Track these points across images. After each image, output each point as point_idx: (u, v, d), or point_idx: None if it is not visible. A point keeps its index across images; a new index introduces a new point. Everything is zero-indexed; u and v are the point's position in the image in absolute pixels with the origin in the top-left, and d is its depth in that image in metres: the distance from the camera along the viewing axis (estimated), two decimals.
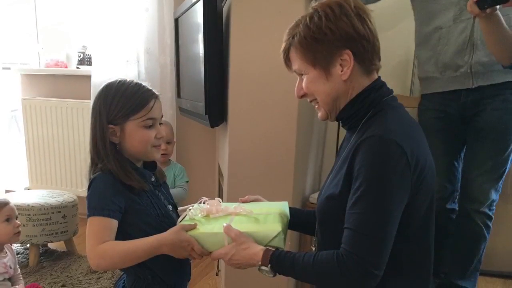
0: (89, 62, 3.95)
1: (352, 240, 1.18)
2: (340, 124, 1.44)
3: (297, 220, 1.58)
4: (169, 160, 2.64)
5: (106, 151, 1.38)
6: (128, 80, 1.43)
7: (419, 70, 2.53)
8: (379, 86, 1.33)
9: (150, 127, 1.41)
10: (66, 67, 3.91)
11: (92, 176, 1.38)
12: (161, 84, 3.42)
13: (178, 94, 3.33)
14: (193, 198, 2.69)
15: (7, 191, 4.06)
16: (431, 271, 1.38)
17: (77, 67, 3.97)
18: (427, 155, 1.29)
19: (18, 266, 2.32)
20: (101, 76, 3.36)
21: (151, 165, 1.53)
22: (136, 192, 1.39)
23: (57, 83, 3.95)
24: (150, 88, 1.44)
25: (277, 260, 1.27)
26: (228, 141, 2.40)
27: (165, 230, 1.35)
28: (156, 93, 1.45)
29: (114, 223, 1.32)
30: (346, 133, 1.44)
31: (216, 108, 2.46)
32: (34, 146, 3.93)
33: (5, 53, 4.05)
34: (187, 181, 2.62)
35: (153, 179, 1.50)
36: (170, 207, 1.52)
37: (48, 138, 3.88)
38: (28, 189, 3.97)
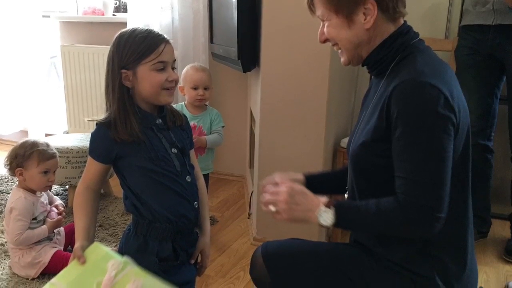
0: (124, 10, 3.99)
1: (409, 188, 1.17)
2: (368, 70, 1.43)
3: (326, 183, 1.63)
4: (206, 105, 2.67)
5: (114, 97, 1.49)
6: (140, 27, 1.49)
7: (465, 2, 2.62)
8: (406, 31, 1.32)
9: (161, 70, 1.46)
10: (103, 14, 3.96)
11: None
12: (194, 30, 3.43)
13: (211, 40, 3.34)
14: (225, 143, 2.74)
15: (47, 135, 4.19)
16: (470, 207, 1.35)
17: (113, 15, 4.01)
18: (460, 93, 1.26)
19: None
20: (136, 23, 3.38)
21: (160, 109, 1.57)
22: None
23: (94, 30, 4.01)
24: (160, 33, 1.49)
25: (340, 205, 1.27)
26: (261, 86, 2.41)
27: (161, 172, 1.48)
28: (166, 37, 1.49)
29: (101, 166, 1.52)
30: (373, 80, 1.43)
31: (248, 53, 2.47)
32: (73, 92, 4.01)
33: (44, 1, 4.12)
34: (223, 126, 2.66)
35: (158, 121, 1.54)
36: (174, 150, 1.54)
37: (86, 83, 3.95)
38: (67, 133, 4.09)
